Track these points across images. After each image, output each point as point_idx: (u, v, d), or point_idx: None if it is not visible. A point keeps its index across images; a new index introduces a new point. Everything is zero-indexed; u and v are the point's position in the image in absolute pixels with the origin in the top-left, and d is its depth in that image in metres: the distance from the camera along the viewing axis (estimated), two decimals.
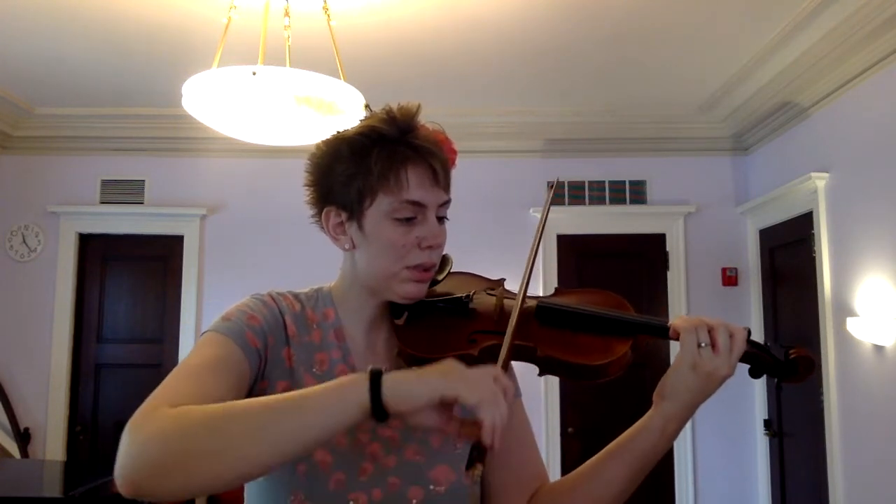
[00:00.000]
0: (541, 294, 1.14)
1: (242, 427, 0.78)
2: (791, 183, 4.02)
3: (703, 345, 0.95)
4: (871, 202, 3.36)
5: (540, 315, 1.05)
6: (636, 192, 4.91)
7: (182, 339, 4.83)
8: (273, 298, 1.05)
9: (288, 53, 2.83)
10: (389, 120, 1.02)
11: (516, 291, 1.05)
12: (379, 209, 1.00)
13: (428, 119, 1.10)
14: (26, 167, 4.93)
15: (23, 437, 4.62)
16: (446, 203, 1.05)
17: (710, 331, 0.96)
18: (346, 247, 1.06)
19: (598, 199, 4.91)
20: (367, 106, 1.10)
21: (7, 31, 3.59)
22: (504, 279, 1.15)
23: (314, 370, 1.03)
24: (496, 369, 0.85)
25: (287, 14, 2.89)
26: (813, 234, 3.85)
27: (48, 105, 4.71)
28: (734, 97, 4.41)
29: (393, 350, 1.06)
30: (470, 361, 0.97)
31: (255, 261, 4.87)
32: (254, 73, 2.54)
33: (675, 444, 4.70)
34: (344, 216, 1.04)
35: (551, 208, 1.07)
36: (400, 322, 1.06)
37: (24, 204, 4.89)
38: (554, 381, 4.60)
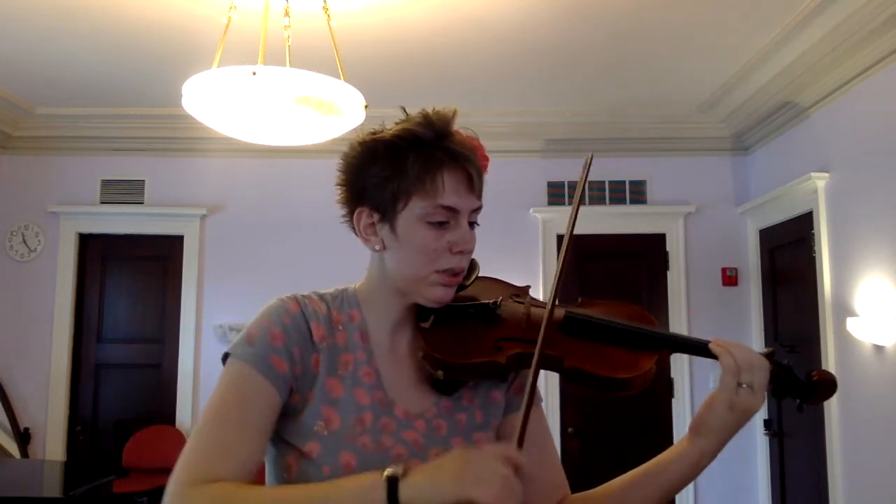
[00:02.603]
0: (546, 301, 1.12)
1: None
2: (791, 183, 4.02)
3: (744, 386, 0.96)
4: (871, 202, 3.36)
5: (567, 325, 1.04)
6: (636, 192, 4.91)
7: (182, 339, 4.83)
8: (298, 303, 1.03)
9: (288, 53, 2.83)
10: (426, 124, 1.02)
11: (542, 300, 1.05)
12: (412, 212, 1.00)
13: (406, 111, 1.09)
14: (26, 167, 4.93)
15: (23, 437, 4.62)
16: (478, 209, 1.05)
17: (751, 370, 0.96)
18: (377, 248, 1.05)
19: (598, 199, 4.91)
20: (405, 111, 1.09)
21: (7, 31, 3.60)
22: (529, 286, 1.15)
23: (339, 372, 1.02)
24: (508, 449, 0.85)
25: (287, 14, 2.89)
26: (813, 234, 3.85)
27: (48, 105, 4.71)
28: (734, 97, 4.41)
29: (416, 353, 1.05)
30: (497, 369, 1.00)
31: (255, 261, 4.87)
32: (254, 73, 2.54)
33: (675, 442, 4.70)
34: (376, 217, 1.03)
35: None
36: (426, 325, 1.06)
37: (24, 204, 4.89)
38: (554, 382, 4.60)
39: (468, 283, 1.08)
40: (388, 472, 0.83)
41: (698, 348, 1.00)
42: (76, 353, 4.85)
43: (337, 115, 2.81)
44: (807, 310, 3.92)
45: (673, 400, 4.71)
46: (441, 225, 1.01)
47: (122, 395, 4.86)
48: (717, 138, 4.87)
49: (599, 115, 4.75)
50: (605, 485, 1.06)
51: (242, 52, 3.16)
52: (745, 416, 0.97)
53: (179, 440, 4.64)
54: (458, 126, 1.06)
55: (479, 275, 1.12)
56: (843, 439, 3.57)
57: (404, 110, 1.07)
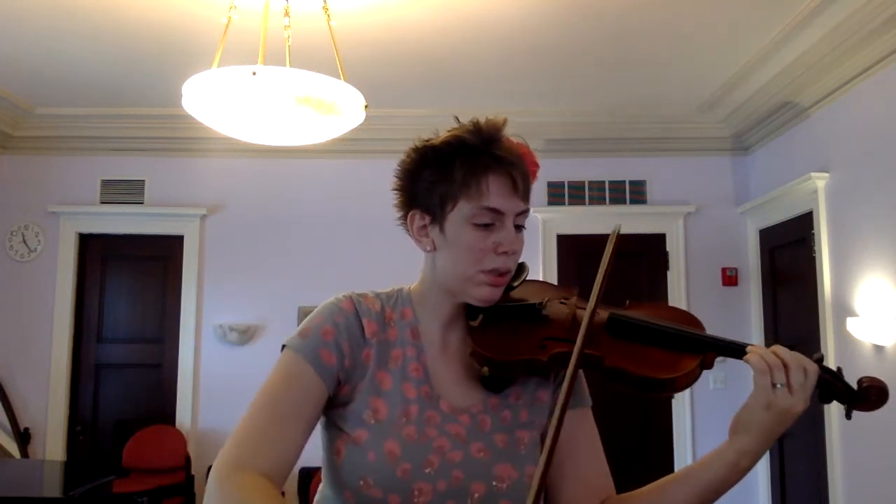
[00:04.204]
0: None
1: None
2: (791, 183, 4.02)
3: (778, 385, 0.95)
4: (871, 202, 3.36)
5: (611, 327, 1.07)
6: (636, 192, 4.91)
7: (182, 339, 4.83)
8: (352, 301, 1.10)
9: (288, 53, 2.83)
10: (475, 131, 1.08)
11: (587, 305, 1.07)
12: (460, 214, 1.06)
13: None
14: (26, 167, 4.93)
15: (23, 437, 4.62)
16: (524, 212, 1.09)
17: (786, 370, 0.96)
18: (428, 248, 1.11)
19: (598, 199, 4.91)
20: (457, 119, 1.13)
21: (7, 31, 3.60)
22: (577, 289, 1.18)
23: (389, 366, 1.08)
24: None
25: (287, 14, 2.89)
26: (813, 234, 3.85)
27: (48, 105, 4.71)
28: (734, 97, 4.41)
29: (466, 350, 1.10)
30: (539, 366, 1.03)
31: (255, 261, 4.87)
32: (254, 73, 2.54)
33: (675, 443, 4.71)
34: (427, 220, 1.09)
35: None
36: (475, 324, 1.10)
37: (24, 204, 4.89)
38: None
39: (516, 284, 1.12)
40: None
41: (735, 351, 1.01)
42: (76, 353, 4.85)
43: (337, 115, 2.81)
44: (807, 310, 3.92)
45: (673, 401, 4.71)
46: (487, 227, 1.05)
47: (122, 395, 4.86)
48: (717, 138, 4.87)
49: (599, 115, 4.75)
50: (648, 486, 1.08)
51: (242, 52, 3.16)
52: (786, 417, 0.96)
53: (179, 440, 4.64)
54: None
55: (529, 278, 1.15)
56: (843, 439, 3.57)
57: (457, 119, 1.12)
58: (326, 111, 2.74)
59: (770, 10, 3.36)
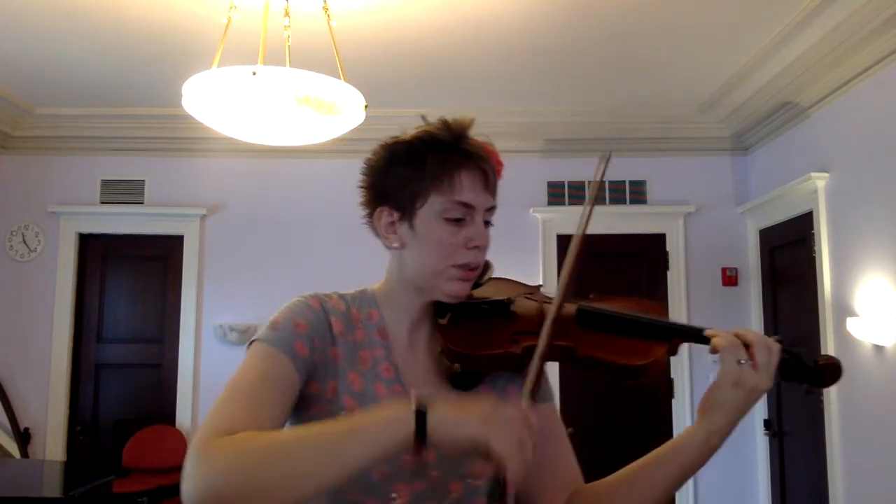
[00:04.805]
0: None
1: (299, 459, 0.85)
2: (791, 183, 4.02)
3: (742, 362, 0.98)
4: (871, 202, 3.36)
5: (580, 318, 1.09)
6: (636, 192, 4.91)
7: (182, 339, 4.83)
8: (319, 300, 1.09)
9: (288, 53, 2.83)
10: (445, 127, 1.09)
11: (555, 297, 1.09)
12: (431, 209, 1.06)
13: (426, 118, 1.13)
14: (26, 167, 4.93)
15: (23, 437, 4.62)
16: (493, 208, 1.10)
17: (749, 347, 0.99)
18: (396, 245, 1.10)
19: (598, 199, 4.91)
20: (424, 118, 1.14)
21: (7, 31, 3.60)
22: (541, 285, 1.19)
23: (359, 367, 1.07)
24: (526, 410, 0.90)
25: (287, 14, 2.89)
26: (813, 234, 3.85)
27: (48, 105, 4.71)
28: (734, 97, 4.41)
29: (434, 349, 1.10)
30: (513, 360, 1.04)
31: (254, 261, 4.87)
32: (254, 73, 2.54)
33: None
34: (396, 216, 1.09)
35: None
36: (444, 321, 1.10)
37: (24, 204, 4.89)
38: (554, 382, 4.59)
39: (482, 281, 1.13)
40: (416, 404, 0.86)
41: (697, 336, 1.04)
42: (76, 353, 4.84)
43: (337, 115, 2.81)
44: (807, 310, 3.92)
45: (673, 400, 4.71)
46: (458, 221, 1.06)
47: (122, 395, 4.87)
48: (717, 138, 4.87)
49: (599, 115, 4.75)
50: (618, 472, 1.09)
51: (242, 52, 3.16)
52: (753, 395, 0.99)
53: (179, 440, 4.64)
54: (474, 133, 1.12)
55: (493, 276, 1.16)
56: (843, 439, 3.57)
57: (424, 118, 1.13)
58: (326, 111, 2.74)
59: (770, 10, 3.36)
